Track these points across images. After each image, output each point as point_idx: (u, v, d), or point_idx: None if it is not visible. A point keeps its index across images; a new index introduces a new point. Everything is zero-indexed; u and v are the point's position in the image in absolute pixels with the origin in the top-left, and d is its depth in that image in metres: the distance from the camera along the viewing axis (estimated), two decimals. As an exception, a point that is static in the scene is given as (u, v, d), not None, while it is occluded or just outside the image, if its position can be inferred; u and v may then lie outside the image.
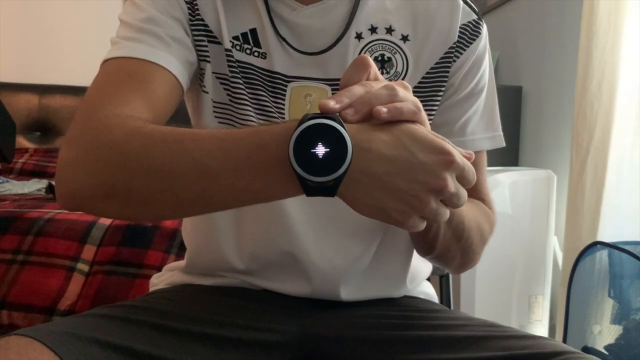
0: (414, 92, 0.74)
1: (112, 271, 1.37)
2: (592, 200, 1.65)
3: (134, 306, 0.69)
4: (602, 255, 1.54)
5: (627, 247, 1.48)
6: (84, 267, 1.38)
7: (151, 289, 0.86)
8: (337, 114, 0.51)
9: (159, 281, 0.86)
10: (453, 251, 0.71)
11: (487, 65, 0.80)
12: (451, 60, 0.76)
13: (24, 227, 1.40)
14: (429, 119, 0.76)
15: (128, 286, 1.35)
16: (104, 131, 0.58)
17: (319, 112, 0.51)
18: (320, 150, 0.49)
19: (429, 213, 0.51)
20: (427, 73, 0.76)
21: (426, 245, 0.70)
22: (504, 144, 0.81)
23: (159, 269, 0.90)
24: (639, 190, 1.59)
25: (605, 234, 1.60)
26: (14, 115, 2.34)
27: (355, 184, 0.50)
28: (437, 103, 0.77)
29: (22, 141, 2.60)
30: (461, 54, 0.76)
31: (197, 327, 0.67)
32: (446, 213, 0.52)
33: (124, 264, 1.38)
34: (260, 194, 0.54)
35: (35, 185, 1.98)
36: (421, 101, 0.75)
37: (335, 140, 0.49)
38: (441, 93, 0.77)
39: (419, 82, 0.76)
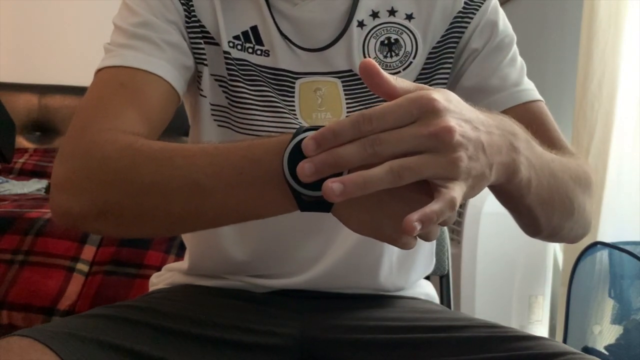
0: (422, 67, 0.74)
1: (112, 271, 1.37)
2: (592, 200, 1.64)
3: (134, 306, 0.69)
4: (602, 255, 1.53)
5: (627, 247, 1.48)
6: (84, 267, 1.38)
7: (151, 288, 0.86)
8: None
9: (158, 281, 0.86)
10: (559, 211, 0.63)
11: (504, 18, 0.77)
12: (461, 27, 0.75)
13: (23, 227, 1.40)
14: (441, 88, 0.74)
15: (128, 286, 1.35)
16: (95, 148, 0.57)
17: (316, 125, 0.49)
18: None
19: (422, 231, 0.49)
20: (434, 48, 0.75)
21: (529, 223, 0.65)
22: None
23: (159, 269, 0.90)
24: (639, 190, 1.59)
25: (605, 234, 1.60)
26: (14, 115, 2.34)
27: (350, 199, 0.46)
28: (447, 72, 0.76)
29: (22, 141, 2.60)
30: (471, 19, 0.75)
31: (197, 328, 0.67)
32: (437, 232, 0.51)
33: (124, 264, 1.38)
34: (253, 210, 0.53)
35: (35, 185, 1.98)
36: (429, 72, 0.75)
37: None
38: (450, 61, 0.75)
39: (428, 56, 0.75)
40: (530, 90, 0.76)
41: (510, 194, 0.56)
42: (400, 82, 0.48)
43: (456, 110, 0.46)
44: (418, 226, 0.43)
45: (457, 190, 0.45)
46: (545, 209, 0.61)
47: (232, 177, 0.51)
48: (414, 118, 0.45)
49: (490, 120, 0.50)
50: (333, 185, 0.43)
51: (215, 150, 0.53)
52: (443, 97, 0.46)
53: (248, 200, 0.52)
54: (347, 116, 0.73)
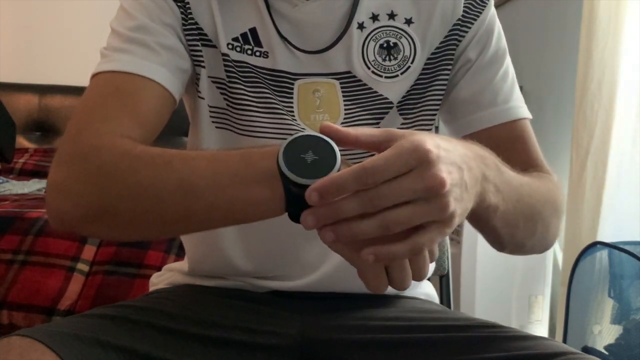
0: (421, 72, 0.75)
1: (112, 271, 1.37)
2: (592, 200, 1.65)
3: (134, 306, 0.69)
4: (602, 255, 1.54)
5: (627, 247, 1.49)
6: (84, 267, 1.38)
7: (151, 288, 0.86)
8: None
9: (158, 281, 0.86)
10: (522, 231, 0.67)
11: (500, 29, 0.78)
12: (459, 35, 0.75)
13: (24, 227, 1.40)
14: (439, 95, 0.76)
15: (128, 286, 1.35)
16: (92, 153, 0.59)
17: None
18: (309, 157, 0.50)
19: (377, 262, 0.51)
20: (433, 53, 0.76)
21: (493, 240, 0.69)
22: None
23: (159, 269, 0.90)
24: (639, 190, 1.59)
25: (605, 234, 1.60)
26: (14, 115, 2.34)
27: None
28: (446, 79, 0.76)
29: (22, 141, 2.60)
30: (469, 27, 0.76)
31: (198, 328, 0.67)
32: (425, 269, 0.52)
33: (124, 264, 1.39)
34: (241, 209, 0.54)
35: (35, 185, 1.98)
36: (428, 77, 0.76)
37: (325, 151, 0.50)
38: (449, 67, 0.76)
39: (426, 61, 0.76)
40: (517, 107, 0.77)
41: (478, 216, 0.59)
42: (361, 131, 0.51)
43: (446, 156, 0.49)
44: (371, 258, 0.48)
45: (430, 234, 0.49)
46: (510, 230, 0.65)
47: (225, 178, 0.53)
48: (411, 168, 0.47)
49: (469, 152, 0.54)
50: (326, 234, 0.48)
51: (213, 156, 0.55)
52: (434, 143, 0.48)
53: (237, 199, 0.53)
54: (344, 119, 0.74)
